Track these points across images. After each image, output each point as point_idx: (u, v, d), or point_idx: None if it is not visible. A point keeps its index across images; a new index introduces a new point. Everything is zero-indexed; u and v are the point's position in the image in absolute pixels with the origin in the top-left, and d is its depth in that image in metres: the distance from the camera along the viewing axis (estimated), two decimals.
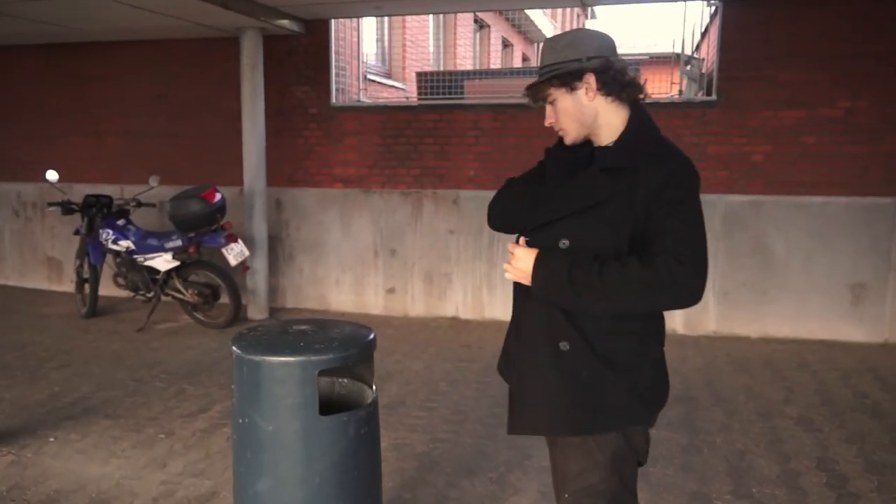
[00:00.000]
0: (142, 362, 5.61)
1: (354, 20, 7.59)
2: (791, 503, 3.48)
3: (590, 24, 33.18)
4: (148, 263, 6.45)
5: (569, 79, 1.92)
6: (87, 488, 3.58)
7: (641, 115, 1.97)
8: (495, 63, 14.55)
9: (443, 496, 3.54)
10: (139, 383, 5.14)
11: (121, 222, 6.66)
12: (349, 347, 2.32)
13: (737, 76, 6.20)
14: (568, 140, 2.02)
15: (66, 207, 6.81)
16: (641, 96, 1.97)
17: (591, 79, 1.91)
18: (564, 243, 1.89)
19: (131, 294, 6.76)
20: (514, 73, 8.25)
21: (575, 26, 29.38)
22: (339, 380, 2.63)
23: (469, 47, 12.60)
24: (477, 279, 6.94)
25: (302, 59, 7.20)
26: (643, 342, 1.96)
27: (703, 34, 7.85)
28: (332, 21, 7.09)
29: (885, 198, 6.06)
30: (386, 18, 9.49)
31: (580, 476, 1.97)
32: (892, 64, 5.91)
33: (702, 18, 8.01)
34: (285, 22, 6.73)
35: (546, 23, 17.76)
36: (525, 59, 17.85)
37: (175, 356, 5.78)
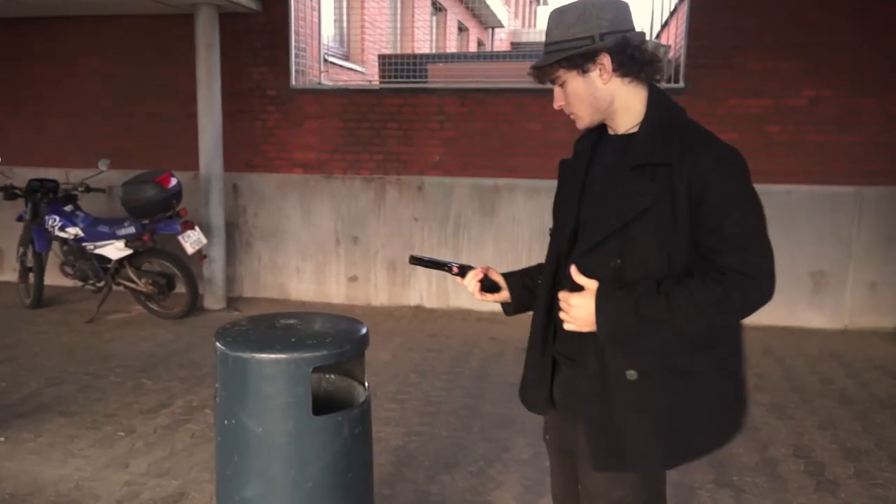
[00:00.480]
0: (94, 355, 5.33)
1: None
2: (772, 491, 3.48)
3: (542, 11, 33.22)
4: (98, 251, 6.13)
5: (580, 60, 1.71)
6: (44, 491, 3.35)
7: (660, 95, 1.77)
8: (451, 47, 14.39)
9: (423, 491, 3.43)
10: (93, 377, 4.87)
11: (68, 208, 6.31)
12: (343, 343, 2.17)
13: (704, 64, 6.20)
14: (581, 125, 1.84)
15: (9, 192, 6.42)
16: (659, 76, 1.78)
17: (605, 60, 1.70)
18: (616, 262, 1.70)
19: (80, 283, 6.43)
20: (478, 57, 8.14)
21: (527, 13, 29.38)
22: (327, 376, 2.48)
23: (426, 30, 12.41)
24: None
25: (259, 38, 6.93)
26: (721, 355, 1.78)
27: (667, 21, 7.84)
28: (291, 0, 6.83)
29: (847, 187, 6.16)
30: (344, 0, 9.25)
31: (609, 491, 1.80)
32: (857, 54, 5.99)
33: (663, 5, 7.99)
34: None
35: (501, 8, 17.67)
36: (480, 43, 17.73)
37: (129, 348, 5.51)
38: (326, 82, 7.41)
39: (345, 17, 9.43)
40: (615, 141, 1.81)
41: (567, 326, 1.74)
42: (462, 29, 15.70)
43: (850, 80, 6.06)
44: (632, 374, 1.70)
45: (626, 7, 1.73)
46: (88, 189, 6.32)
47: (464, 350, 5.60)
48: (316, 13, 7.36)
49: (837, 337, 6.11)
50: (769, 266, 1.64)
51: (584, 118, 1.80)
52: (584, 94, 1.75)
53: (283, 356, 2.08)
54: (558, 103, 1.83)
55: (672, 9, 7.73)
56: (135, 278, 6.14)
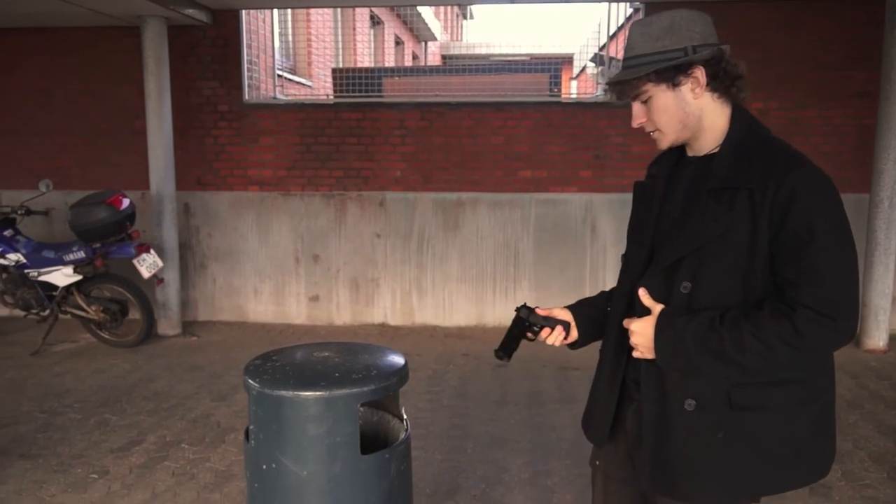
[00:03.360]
0: (47, 391, 4.98)
1: (262, 11, 7.13)
2: (770, 499, 3.51)
3: (467, 25, 33.53)
4: (43, 278, 5.74)
5: (672, 73, 1.61)
6: None
7: (745, 114, 1.68)
8: (389, 60, 14.31)
9: None
10: (50, 415, 4.54)
11: (7, 233, 5.89)
12: (390, 376, 2.06)
13: None
14: (663, 144, 1.73)
15: None
16: (745, 94, 1.67)
17: (699, 72, 1.61)
18: (686, 286, 1.63)
19: (22, 313, 6.01)
20: (433, 70, 8.08)
21: (455, 26, 29.58)
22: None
23: (367, 44, 12.30)
24: (406, 284, 6.71)
25: (208, 52, 6.68)
26: (800, 395, 1.65)
27: (614, 34, 7.99)
28: (243, 12, 6.62)
29: None
30: (289, 11, 9.04)
31: None
32: (802, 68, 6.24)
33: (608, 20, 8.15)
34: (191, 11, 6.20)
35: (434, 21, 17.71)
36: (415, 57, 17.71)
37: (85, 382, 5.17)
38: (281, 97, 7.21)
39: (290, 31, 9.23)
40: (695, 163, 1.73)
41: (635, 353, 1.70)
42: (399, 42, 15.65)
43: (795, 92, 6.30)
44: (690, 404, 1.64)
45: (710, 21, 1.67)
46: (29, 212, 5.93)
47: (439, 368, 5.50)
48: (267, 26, 7.16)
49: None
50: (848, 305, 1.54)
51: (670, 135, 1.70)
52: (673, 110, 1.65)
53: (329, 393, 1.96)
54: (639, 121, 1.71)
55: (620, 23, 7.89)
56: (84, 306, 5.78)
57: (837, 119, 6.33)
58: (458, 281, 6.66)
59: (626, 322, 1.70)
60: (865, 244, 5.92)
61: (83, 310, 5.81)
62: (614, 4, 7.45)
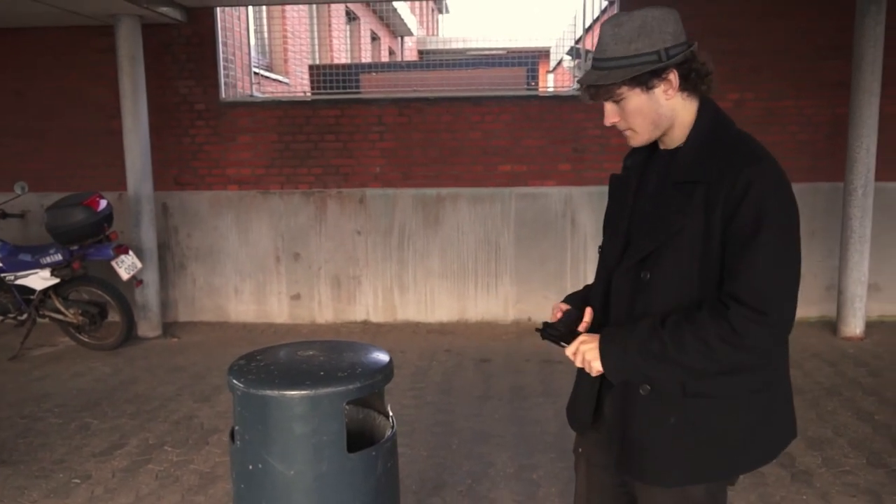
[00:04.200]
0: (26, 396, 4.91)
1: (237, 9, 7.07)
2: (754, 486, 3.57)
3: (443, 19, 33.48)
4: (20, 282, 5.66)
5: (647, 77, 1.62)
6: None
7: (710, 107, 1.71)
8: (366, 56, 14.26)
9: None
10: (30, 420, 4.48)
11: None
12: (374, 373, 2.06)
13: None
14: (635, 142, 1.75)
15: None
16: (710, 88, 1.72)
17: (673, 76, 1.63)
18: (646, 275, 1.68)
19: None
20: (410, 66, 8.06)
21: (431, 21, 29.53)
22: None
23: (343, 40, 12.24)
24: (388, 280, 6.70)
25: (183, 50, 6.62)
26: (753, 383, 1.69)
27: (590, 27, 8.02)
28: (218, 10, 6.56)
29: None
30: (264, 8, 8.97)
31: None
32: (776, 59, 6.30)
33: (584, 13, 8.18)
34: (166, 9, 6.13)
35: (410, 17, 17.67)
36: (391, 52, 17.66)
37: (64, 386, 5.12)
38: (258, 94, 7.16)
39: (265, 28, 9.16)
40: (665, 156, 1.76)
41: (593, 372, 1.75)
42: (375, 38, 15.59)
43: (769, 83, 6.36)
44: (645, 389, 1.70)
45: (678, 17, 1.67)
46: (4, 215, 5.85)
47: (422, 364, 5.51)
48: (243, 23, 7.10)
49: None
50: (780, 300, 1.55)
51: (643, 135, 1.73)
52: (646, 111, 1.67)
53: (314, 392, 1.96)
54: (611, 120, 1.72)
55: (595, 16, 7.92)
56: (63, 309, 5.71)
57: (811, 109, 6.41)
58: (439, 276, 6.67)
59: (572, 346, 1.76)
60: (841, 232, 6.01)
61: (61, 313, 5.74)
62: None
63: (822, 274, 6.47)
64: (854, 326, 5.99)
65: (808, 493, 3.48)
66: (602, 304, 1.84)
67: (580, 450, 2.02)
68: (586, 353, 1.73)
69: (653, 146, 1.82)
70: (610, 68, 1.64)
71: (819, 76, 6.32)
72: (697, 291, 1.64)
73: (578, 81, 1.76)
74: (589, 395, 1.90)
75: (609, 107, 1.71)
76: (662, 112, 1.68)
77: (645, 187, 1.80)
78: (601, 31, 1.69)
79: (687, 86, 1.67)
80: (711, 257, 1.61)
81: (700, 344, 1.58)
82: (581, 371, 1.92)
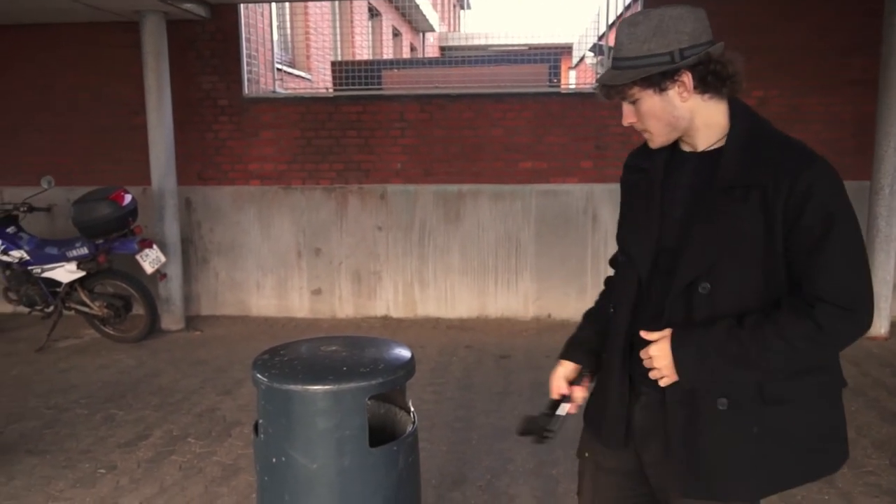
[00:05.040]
0: (53, 387, 5.00)
1: (261, 5, 7.12)
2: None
3: (464, 15, 33.40)
4: (47, 275, 5.76)
5: (658, 79, 1.58)
6: None
7: (744, 108, 1.67)
8: (387, 52, 14.29)
9: None
10: (57, 411, 4.56)
11: (11, 230, 5.90)
12: (396, 369, 2.08)
13: None
14: (654, 144, 1.71)
15: None
16: (740, 89, 1.65)
17: (686, 78, 1.59)
18: (705, 287, 1.61)
19: (26, 310, 6.03)
20: (432, 62, 8.07)
21: (452, 17, 29.49)
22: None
23: (365, 36, 12.27)
24: (408, 276, 6.73)
25: (207, 46, 6.67)
26: (821, 383, 1.68)
27: (613, 23, 7.98)
28: (241, 6, 6.61)
29: None
30: (287, 5, 9.02)
31: None
32: (801, 56, 6.23)
33: (607, 9, 8.15)
34: (190, 5, 6.19)
35: (431, 12, 17.67)
36: (413, 48, 17.67)
37: (90, 377, 5.20)
38: (281, 90, 7.21)
39: (288, 25, 9.21)
40: (695, 159, 1.70)
41: (662, 382, 1.65)
42: (396, 34, 15.62)
43: (794, 80, 6.29)
44: (723, 403, 1.62)
45: (703, 15, 1.62)
46: (32, 209, 5.94)
47: (442, 360, 5.53)
48: (266, 20, 7.15)
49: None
50: (866, 296, 1.56)
51: (660, 136, 1.69)
52: (660, 113, 1.64)
53: (338, 387, 1.98)
54: (628, 120, 1.69)
55: (619, 12, 7.88)
56: (88, 302, 5.81)
57: (837, 106, 6.33)
58: (459, 273, 6.68)
59: (642, 352, 1.67)
60: (866, 231, 5.93)
61: (87, 306, 5.83)
62: None
63: None
64: (879, 326, 5.92)
65: (831, 494, 3.46)
66: (630, 313, 1.77)
67: (587, 454, 1.97)
68: (659, 360, 1.62)
69: (671, 147, 1.76)
70: (624, 68, 1.62)
71: (844, 73, 6.24)
72: (762, 298, 1.60)
73: (596, 80, 1.73)
74: (620, 410, 1.82)
75: (626, 107, 1.68)
76: (679, 114, 1.64)
77: (671, 192, 1.73)
78: (618, 29, 1.67)
79: (705, 88, 1.62)
80: (774, 261, 1.58)
81: (785, 344, 1.54)
82: (607, 382, 1.86)
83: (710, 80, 1.61)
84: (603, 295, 2.01)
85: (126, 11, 6.16)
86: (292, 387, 1.98)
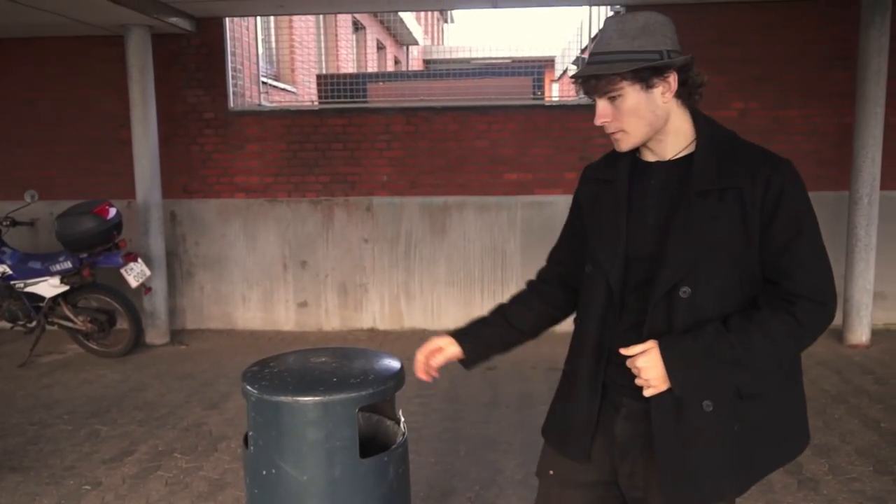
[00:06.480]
0: (36, 403, 4.95)
1: (246, 19, 7.14)
2: (761, 493, 3.58)
3: (448, 29, 33.58)
4: (30, 290, 5.70)
5: (649, 74, 1.60)
6: None
7: (707, 117, 1.72)
8: (371, 65, 14.33)
9: None
10: (40, 427, 4.51)
11: None
12: (386, 379, 2.09)
13: None
14: (624, 146, 1.70)
15: None
16: (700, 100, 1.72)
17: (672, 77, 1.62)
18: (686, 291, 1.63)
19: (9, 325, 5.96)
20: (417, 75, 8.11)
21: (436, 31, 29.65)
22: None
23: (349, 50, 12.31)
24: (394, 288, 6.73)
25: (193, 60, 6.67)
26: (787, 374, 1.74)
27: (594, 38, 8.06)
28: (226, 20, 6.63)
29: None
30: (272, 19, 9.04)
31: None
32: (781, 68, 6.33)
33: (590, 22, 8.22)
34: (175, 19, 6.19)
35: (415, 26, 17.76)
36: (397, 61, 17.75)
37: (74, 393, 5.15)
38: (266, 103, 7.21)
39: (273, 38, 9.23)
40: (663, 167, 1.72)
41: (649, 393, 1.64)
42: (380, 47, 15.68)
43: (775, 92, 6.39)
44: (708, 405, 1.65)
45: (675, 29, 1.69)
46: (15, 223, 5.90)
47: None
48: (251, 34, 7.17)
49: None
50: (833, 288, 1.65)
51: (635, 137, 1.69)
52: (643, 111, 1.65)
53: (328, 398, 1.98)
54: (603, 119, 1.68)
55: (601, 26, 7.95)
56: (72, 316, 5.76)
57: (817, 118, 6.42)
58: (445, 284, 6.70)
59: (629, 362, 1.65)
60: (846, 241, 6.02)
61: (70, 320, 5.78)
62: (595, 7, 7.52)
63: None
64: (860, 334, 5.99)
65: (815, 500, 3.49)
66: (600, 323, 1.77)
67: (551, 472, 1.92)
68: (648, 371, 1.61)
69: (632, 158, 1.78)
70: (612, 61, 1.62)
71: (825, 86, 6.34)
72: (740, 299, 1.65)
73: (576, 74, 1.72)
74: (588, 425, 1.80)
75: (603, 105, 1.67)
76: (659, 114, 1.66)
77: (640, 200, 1.74)
78: (605, 26, 1.69)
79: (682, 92, 1.67)
80: (750, 261, 1.64)
81: (769, 343, 1.60)
82: (572, 392, 1.84)
83: (688, 84, 1.67)
84: (520, 299, 2.06)
85: (111, 25, 6.15)
86: (282, 398, 1.99)
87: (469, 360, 2.02)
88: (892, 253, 6.40)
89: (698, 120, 1.72)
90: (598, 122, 1.70)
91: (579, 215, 1.90)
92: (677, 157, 1.71)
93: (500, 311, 2.04)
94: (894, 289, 6.50)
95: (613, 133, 1.70)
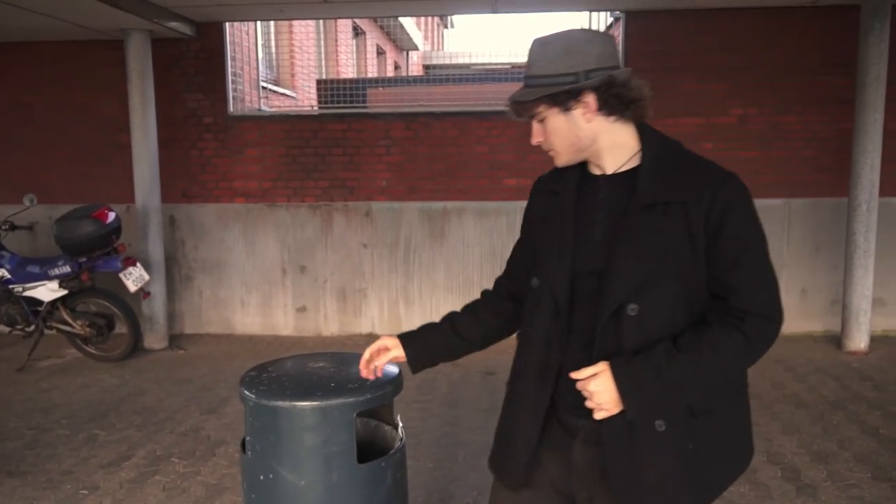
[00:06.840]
0: (34, 407, 4.94)
1: (246, 23, 7.15)
2: (759, 499, 3.58)
3: (448, 34, 33.66)
4: (28, 294, 5.70)
5: (562, 98, 1.60)
6: None
7: (652, 130, 1.70)
8: (371, 70, 14.36)
9: None
10: (38, 432, 4.51)
11: None
12: (385, 385, 2.09)
13: None
14: (559, 162, 1.73)
15: None
16: (645, 115, 1.67)
17: (589, 98, 1.60)
18: (634, 308, 1.59)
19: (7, 329, 5.96)
20: (417, 80, 8.12)
21: (436, 36, 29.71)
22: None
23: (349, 55, 12.34)
24: (393, 293, 6.73)
25: (192, 64, 6.68)
26: (735, 389, 1.73)
27: None
28: (226, 24, 6.64)
29: (776, 199, 6.48)
30: (272, 24, 9.06)
31: None
32: (780, 74, 6.34)
33: (593, 26, 8.24)
34: (175, 24, 6.20)
35: (415, 31, 17.80)
36: (397, 66, 17.78)
37: (72, 397, 5.14)
38: (266, 108, 7.22)
39: (273, 43, 9.25)
40: (607, 181, 1.71)
41: (598, 415, 1.60)
42: (380, 52, 15.71)
43: (774, 98, 6.40)
44: (660, 425, 1.62)
45: (612, 41, 1.67)
46: (13, 227, 5.90)
47: (427, 377, 5.51)
48: (251, 38, 7.18)
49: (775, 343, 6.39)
50: (780, 303, 1.63)
51: (564, 156, 1.71)
52: (564, 132, 1.66)
53: (325, 403, 1.98)
54: (536, 139, 1.70)
55: (602, 31, 7.98)
56: (70, 320, 5.75)
57: (816, 124, 6.43)
58: (444, 289, 6.69)
59: (580, 385, 1.61)
60: (845, 247, 6.02)
61: (69, 325, 5.77)
62: (594, 13, 7.54)
63: (827, 289, 6.47)
64: (859, 341, 5.99)
65: None
66: (547, 339, 1.73)
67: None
68: (601, 395, 1.58)
69: (581, 171, 1.77)
70: (533, 86, 1.64)
71: (824, 92, 6.35)
72: (687, 316, 1.62)
73: (508, 98, 1.72)
74: (528, 447, 1.77)
75: (535, 125, 1.69)
76: (582, 134, 1.66)
77: (587, 214, 1.72)
78: (530, 48, 1.68)
79: (611, 110, 1.64)
80: (697, 277, 1.60)
81: (720, 361, 1.58)
82: (513, 416, 1.82)
83: (612, 103, 1.63)
84: (471, 309, 2.01)
85: (111, 30, 6.16)
86: (280, 403, 1.98)
87: (413, 364, 2.00)
88: (891, 259, 6.40)
89: (644, 132, 1.69)
90: (533, 141, 1.72)
91: (529, 228, 1.90)
92: (621, 170, 1.69)
93: (451, 319, 2.00)
94: (893, 295, 6.51)
95: (548, 151, 1.73)
